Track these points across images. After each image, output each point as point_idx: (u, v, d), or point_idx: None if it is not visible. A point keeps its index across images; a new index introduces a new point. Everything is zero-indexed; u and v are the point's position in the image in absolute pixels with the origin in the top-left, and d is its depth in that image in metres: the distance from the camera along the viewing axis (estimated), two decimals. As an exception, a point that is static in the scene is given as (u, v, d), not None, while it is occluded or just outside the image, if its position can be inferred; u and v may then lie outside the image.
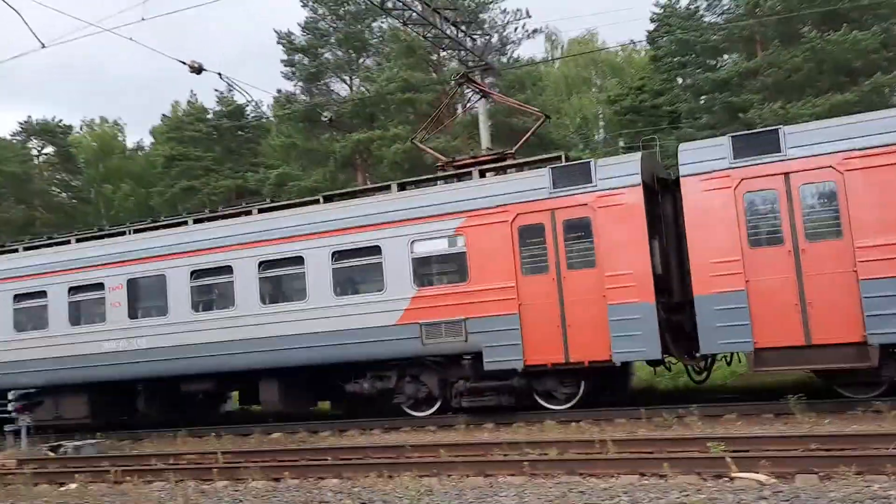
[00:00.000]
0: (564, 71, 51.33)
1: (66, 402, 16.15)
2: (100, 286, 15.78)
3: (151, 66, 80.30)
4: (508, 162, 14.00)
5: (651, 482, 7.80)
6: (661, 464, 7.98)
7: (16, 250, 17.48)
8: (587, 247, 12.26)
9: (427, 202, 13.37)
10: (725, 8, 33.19)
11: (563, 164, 12.90)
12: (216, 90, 48.38)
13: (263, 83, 74.81)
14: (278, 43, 37.94)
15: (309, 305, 13.89)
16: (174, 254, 15.18)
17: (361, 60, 38.94)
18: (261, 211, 15.28)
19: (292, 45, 37.83)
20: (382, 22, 36.29)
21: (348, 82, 39.21)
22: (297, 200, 15.99)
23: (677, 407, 11.89)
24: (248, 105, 43.59)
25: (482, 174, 13.74)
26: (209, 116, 44.76)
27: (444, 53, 32.17)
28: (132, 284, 15.54)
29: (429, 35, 27.34)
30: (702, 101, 31.71)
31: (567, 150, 34.19)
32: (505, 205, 12.70)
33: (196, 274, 15.00)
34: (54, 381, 15.93)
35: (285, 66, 38.34)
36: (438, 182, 14.20)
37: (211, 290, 15.42)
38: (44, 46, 14.08)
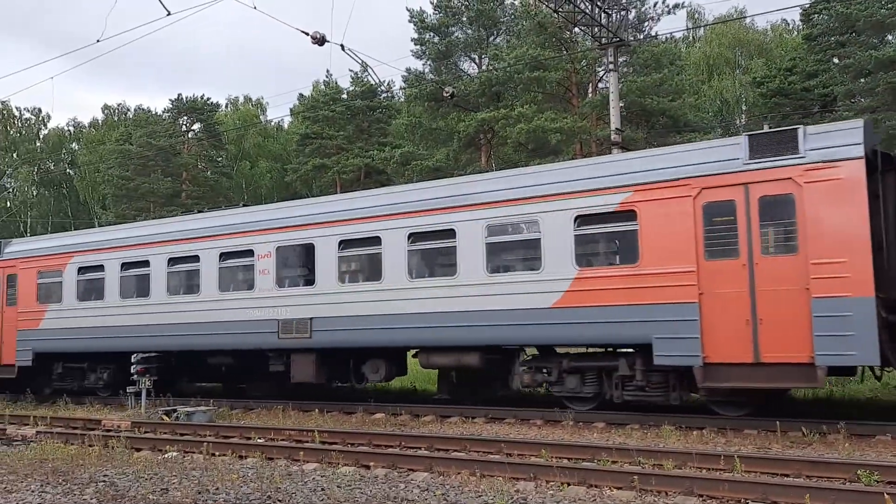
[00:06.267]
0: (706, 51, 48.23)
1: None
2: None
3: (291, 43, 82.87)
4: None
5: (784, 514, 6.64)
6: (802, 494, 6.74)
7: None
8: None
9: None
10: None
11: None
12: (350, 70, 49.17)
13: (395, 62, 75.47)
14: (410, 21, 37.98)
15: None
16: None
17: (491, 38, 38.18)
18: None
19: (424, 24, 37.60)
20: (515, -1, 35.37)
21: (477, 61, 38.60)
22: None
23: (820, 421, 10.41)
24: (380, 85, 43.94)
25: None
26: (343, 96, 45.49)
27: (577, 30, 30.77)
28: None
29: (561, 11, 26.14)
30: (862, 83, 28.63)
31: (705, 133, 32.18)
32: None
33: None
34: None
35: (415, 44, 38.29)
36: None
37: None
38: (169, 14, 14.21)
